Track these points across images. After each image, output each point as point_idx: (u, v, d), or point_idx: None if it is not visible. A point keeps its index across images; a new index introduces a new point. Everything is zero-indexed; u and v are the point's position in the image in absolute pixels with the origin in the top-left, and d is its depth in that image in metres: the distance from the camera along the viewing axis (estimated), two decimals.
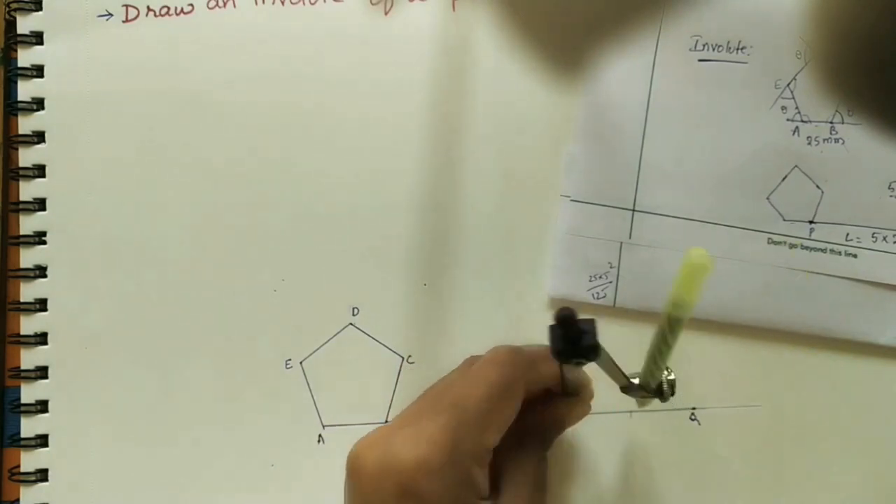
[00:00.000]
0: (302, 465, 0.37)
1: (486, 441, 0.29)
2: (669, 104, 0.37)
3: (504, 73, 0.38)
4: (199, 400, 0.38)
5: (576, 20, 0.38)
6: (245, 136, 0.38)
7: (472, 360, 0.34)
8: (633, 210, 0.37)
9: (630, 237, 0.37)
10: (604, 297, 0.37)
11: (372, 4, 0.39)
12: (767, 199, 0.37)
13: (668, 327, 0.26)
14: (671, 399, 0.31)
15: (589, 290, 0.37)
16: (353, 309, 0.38)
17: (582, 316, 0.25)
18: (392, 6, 0.38)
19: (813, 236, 0.37)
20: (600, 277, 0.37)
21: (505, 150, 0.38)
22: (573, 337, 0.25)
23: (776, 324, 0.37)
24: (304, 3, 0.38)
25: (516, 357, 0.31)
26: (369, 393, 0.38)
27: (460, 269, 0.38)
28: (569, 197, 0.37)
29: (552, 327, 0.26)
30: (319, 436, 0.38)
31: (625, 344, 0.36)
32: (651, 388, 0.30)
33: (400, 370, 0.38)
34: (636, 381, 0.31)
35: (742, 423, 0.37)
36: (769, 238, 0.37)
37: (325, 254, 0.38)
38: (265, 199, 0.38)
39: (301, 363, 0.38)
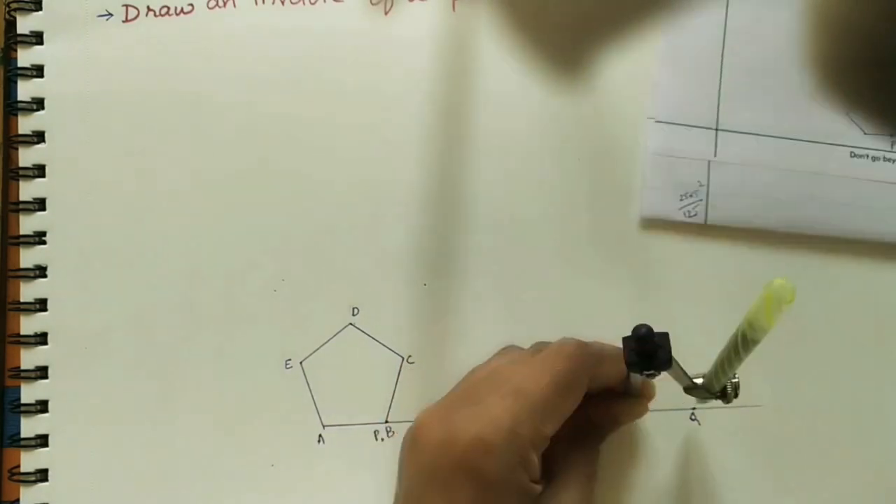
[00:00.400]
0: (302, 465, 0.37)
1: (544, 429, 0.30)
2: (746, 22, 0.38)
3: (504, 73, 0.38)
4: (199, 400, 0.38)
5: (576, 20, 0.38)
6: (245, 136, 0.38)
7: (539, 346, 0.35)
8: (717, 129, 0.37)
9: (716, 155, 0.37)
10: (695, 215, 0.37)
11: (372, 4, 0.39)
12: (848, 114, 0.37)
13: (742, 344, 0.26)
14: (734, 400, 0.32)
15: (680, 208, 0.37)
16: (353, 309, 0.38)
17: (656, 330, 0.26)
18: (392, 6, 0.38)
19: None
20: (690, 196, 0.37)
21: (505, 150, 0.38)
22: (647, 350, 0.26)
23: (867, 235, 0.38)
24: (303, 3, 0.38)
25: (584, 352, 0.32)
26: (369, 393, 0.38)
27: (460, 268, 0.38)
28: (654, 118, 0.38)
29: (626, 339, 0.27)
30: (319, 436, 0.38)
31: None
32: (714, 391, 0.31)
33: (400, 370, 0.38)
34: (699, 381, 0.31)
35: (742, 423, 0.37)
36: (852, 152, 0.37)
37: (325, 254, 0.38)
38: (265, 199, 0.38)
39: (301, 363, 0.38)
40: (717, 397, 0.31)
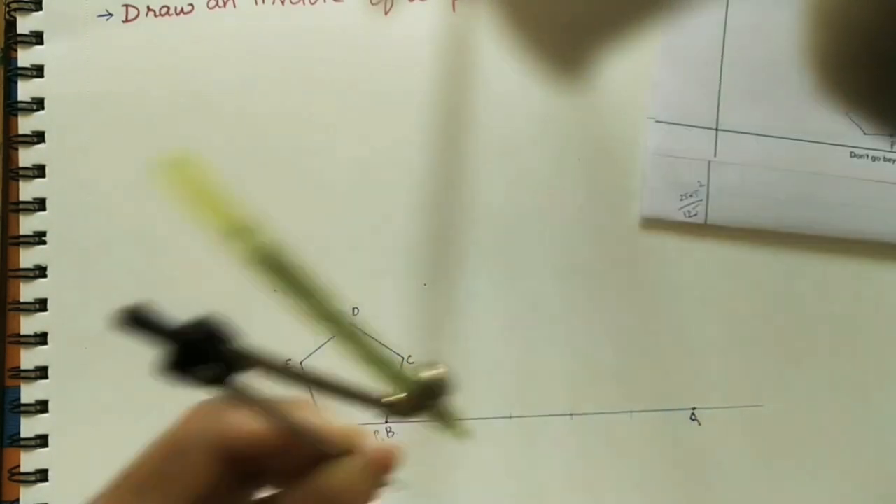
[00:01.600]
0: None
1: None
2: (746, 22, 0.38)
3: (504, 72, 0.38)
4: (199, 400, 0.38)
5: (576, 20, 0.38)
6: (245, 135, 0.38)
7: None
8: (717, 129, 0.38)
9: (716, 155, 0.37)
10: (695, 215, 0.38)
11: (372, 4, 0.39)
12: (847, 114, 0.38)
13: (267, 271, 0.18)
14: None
15: (680, 208, 0.38)
16: (353, 309, 0.38)
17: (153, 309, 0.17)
18: (392, 6, 0.38)
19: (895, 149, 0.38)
20: (691, 196, 0.38)
21: (505, 150, 0.38)
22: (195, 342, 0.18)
23: (867, 235, 0.38)
24: (304, 3, 0.38)
25: (199, 407, 0.26)
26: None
27: (460, 268, 0.38)
28: (654, 118, 0.38)
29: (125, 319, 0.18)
30: None
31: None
32: (393, 399, 0.21)
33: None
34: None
35: (743, 423, 0.37)
36: (851, 152, 0.37)
37: (325, 254, 0.38)
38: (265, 199, 0.38)
39: (301, 363, 0.38)
40: (410, 412, 0.20)
